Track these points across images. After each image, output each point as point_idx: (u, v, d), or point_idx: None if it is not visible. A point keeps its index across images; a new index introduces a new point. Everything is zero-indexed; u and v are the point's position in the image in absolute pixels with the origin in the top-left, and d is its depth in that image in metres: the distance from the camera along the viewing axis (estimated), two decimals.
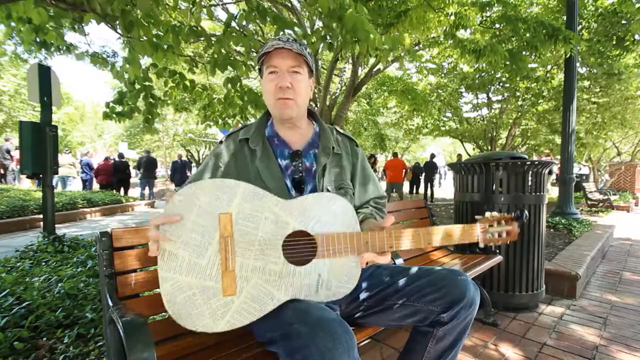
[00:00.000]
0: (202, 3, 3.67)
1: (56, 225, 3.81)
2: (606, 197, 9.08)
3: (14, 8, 2.39)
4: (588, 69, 8.03)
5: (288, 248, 0.93)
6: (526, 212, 1.10)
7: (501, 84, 8.87)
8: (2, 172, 10.04)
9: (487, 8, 5.61)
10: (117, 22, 2.66)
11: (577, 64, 5.79)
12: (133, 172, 12.33)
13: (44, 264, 2.73)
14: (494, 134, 10.09)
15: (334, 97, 8.67)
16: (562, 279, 2.65)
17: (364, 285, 1.12)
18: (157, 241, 0.85)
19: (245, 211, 0.90)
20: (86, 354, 1.51)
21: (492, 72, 8.02)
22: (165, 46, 2.84)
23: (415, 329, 1.11)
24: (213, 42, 3.01)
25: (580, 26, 6.67)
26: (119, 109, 3.53)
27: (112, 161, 11.08)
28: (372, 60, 7.64)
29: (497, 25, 5.43)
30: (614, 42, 6.59)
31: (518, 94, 8.89)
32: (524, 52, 4.99)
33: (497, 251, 2.21)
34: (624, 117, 9.29)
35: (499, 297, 2.31)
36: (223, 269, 0.87)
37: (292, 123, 1.13)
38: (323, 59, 8.60)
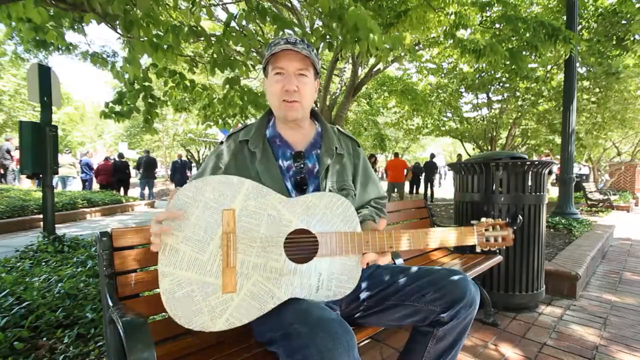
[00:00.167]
0: (202, 3, 3.67)
1: (56, 225, 3.81)
2: (606, 197, 9.08)
3: (14, 8, 2.38)
4: (588, 69, 8.03)
5: (290, 246, 0.93)
6: (520, 216, 1.12)
7: (501, 84, 8.86)
8: (2, 172, 10.04)
9: (487, 8, 5.61)
10: (117, 22, 2.66)
11: (577, 64, 5.79)
12: (133, 172, 12.32)
13: (44, 264, 2.73)
14: (494, 134, 10.08)
15: (334, 97, 8.67)
16: (562, 279, 2.65)
17: (364, 285, 1.12)
18: (159, 236, 0.84)
19: (249, 208, 0.91)
20: (86, 354, 1.51)
21: (492, 72, 8.01)
22: (165, 46, 2.84)
23: (415, 329, 1.11)
24: (213, 42, 3.01)
25: (580, 26, 6.67)
26: (118, 108, 3.53)
27: (112, 161, 11.08)
28: (372, 60, 7.64)
29: (497, 25, 5.43)
30: (614, 42, 6.59)
31: (518, 94, 8.88)
32: (524, 52, 4.99)
33: (497, 251, 2.21)
34: (623, 117, 9.29)
35: (499, 297, 2.31)
36: (224, 265, 0.87)
37: (295, 124, 1.13)
38: (323, 59, 8.59)
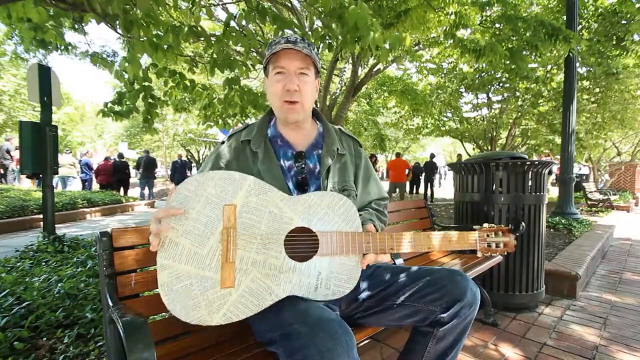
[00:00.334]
0: (202, 3, 3.67)
1: (56, 225, 3.81)
2: (606, 197, 9.08)
3: (14, 8, 2.38)
4: (588, 69, 8.03)
5: (290, 243, 0.93)
6: (523, 224, 1.12)
7: (501, 84, 8.87)
8: (2, 172, 10.04)
9: (487, 7, 5.61)
10: (117, 22, 2.66)
11: (577, 64, 5.79)
12: (133, 172, 12.33)
13: (44, 264, 2.73)
14: (494, 134, 10.08)
15: (334, 97, 8.67)
16: (562, 279, 2.65)
17: (364, 285, 1.12)
18: (158, 236, 0.84)
19: (250, 204, 0.91)
20: (86, 354, 1.51)
21: (492, 72, 8.01)
22: (165, 46, 2.84)
23: (416, 329, 1.11)
24: (213, 42, 3.01)
25: (580, 26, 6.67)
26: (117, 108, 3.53)
27: (112, 161, 11.08)
28: (372, 61, 7.64)
29: (497, 25, 5.43)
30: (614, 42, 6.59)
31: (518, 94, 8.89)
32: (524, 52, 4.98)
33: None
34: (623, 117, 9.29)
35: (499, 297, 2.31)
36: (223, 260, 0.87)
37: (296, 125, 1.12)
38: (323, 59, 8.60)
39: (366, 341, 1.87)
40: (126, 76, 3.36)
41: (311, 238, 0.94)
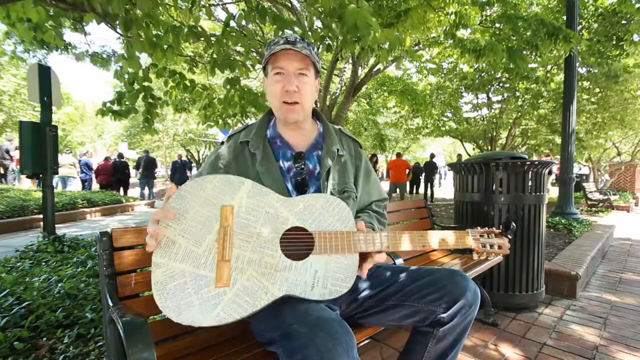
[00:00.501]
0: (202, 3, 3.67)
1: (56, 225, 3.81)
2: (606, 197, 9.08)
3: (13, 8, 2.38)
4: (588, 69, 8.03)
5: (286, 242, 0.93)
6: (514, 224, 1.13)
7: (501, 84, 8.87)
8: (3, 172, 10.04)
9: (487, 7, 5.61)
10: (117, 21, 2.66)
11: (577, 64, 5.79)
12: (133, 172, 12.34)
13: (44, 264, 2.73)
14: (494, 134, 10.09)
15: (334, 97, 8.67)
16: (562, 279, 2.65)
17: (364, 285, 1.12)
18: (154, 237, 0.83)
19: (248, 205, 0.92)
20: (86, 354, 1.51)
21: (492, 72, 8.02)
22: (165, 46, 2.84)
23: (415, 329, 1.11)
24: (213, 42, 3.01)
25: (580, 26, 6.67)
26: (115, 107, 3.53)
27: (112, 161, 11.08)
28: (372, 61, 7.63)
29: (497, 25, 5.43)
30: (614, 42, 6.59)
31: (518, 94, 8.89)
32: (524, 52, 4.98)
33: None
34: (623, 117, 9.30)
35: (499, 297, 2.31)
36: (219, 259, 0.87)
37: (295, 125, 1.12)
38: (323, 59, 8.60)
39: (366, 341, 1.87)
40: (126, 76, 3.37)
41: (307, 237, 0.95)
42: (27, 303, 1.80)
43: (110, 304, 0.92)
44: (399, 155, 10.83)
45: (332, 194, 1.09)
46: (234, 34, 2.95)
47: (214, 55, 3.13)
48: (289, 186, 1.07)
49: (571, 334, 2.04)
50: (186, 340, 1.09)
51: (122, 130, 21.18)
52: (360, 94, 9.91)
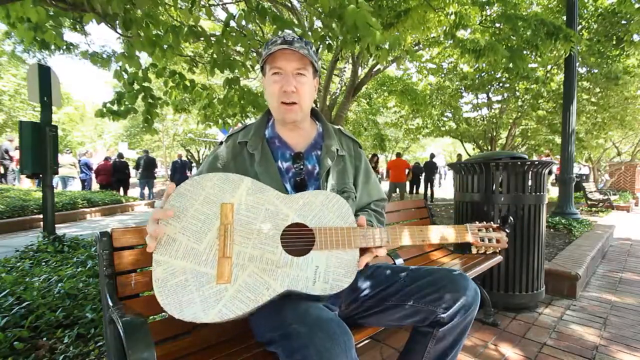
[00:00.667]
0: (202, 3, 3.67)
1: (56, 225, 3.81)
2: (606, 197, 9.08)
3: (12, 8, 2.38)
4: (588, 69, 8.03)
5: (286, 239, 0.94)
6: (511, 218, 1.15)
7: (501, 84, 8.87)
8: (3, 172, 10.04)
9: (487, 7, 5.61)
10: (117, 21, 2.66)
11: (577, 64, 5.79)
12: (133, 172, 12.34)
13: (44, 264, 2.73)
14: (494, 134, 10.09)
15: (334, 97, 8.67)
16: (562, 279, 2.65)
17: (364, 285, 1.12)
18: (154, 238, 0.83)
19: (248, 202, 0.93)
20: (86, 354, 1.51)
21: (492, 72, 8.01)
22: (165, 46, 2.84)
23: (415, 329, 1.11)
24: (213, 42, 3.01)
25: (580, 26, 6.67)
26: (115, 108, 3.53)
27: (112, 161, 11.08)
28: (372, 61, 7.63)
29: (497, 25, 5.43)
30: (614, 42, 6.59)
31: (518, 94, 8.89)
32: (524, 51, 4.98)
33: (497, 251, 2.20)
34: (623, 117, 9.30)
35: (499, 297, 2.30)
36: (220, 255, 0.87)
37: (294, 125, 1.11)
38: (323, 59, 8.61)
39: (366, 341, 1.87)
40: (126, 76, 3.37)
41: (307, 233, 0.95)
42: (27, 303, 1.80)
43: (110, 304, 0.92)
44: (398, 155, 10.83)
45: None
46: (234, 34, 2.95)
47: (214, 55, 3.13)
48: (288, 187, 1.07)
49: (571, 334, 2.04)
50: (186, 340, 1.09)
51: (122, 130, 21.17)
52: (360, 94, 9.91)
